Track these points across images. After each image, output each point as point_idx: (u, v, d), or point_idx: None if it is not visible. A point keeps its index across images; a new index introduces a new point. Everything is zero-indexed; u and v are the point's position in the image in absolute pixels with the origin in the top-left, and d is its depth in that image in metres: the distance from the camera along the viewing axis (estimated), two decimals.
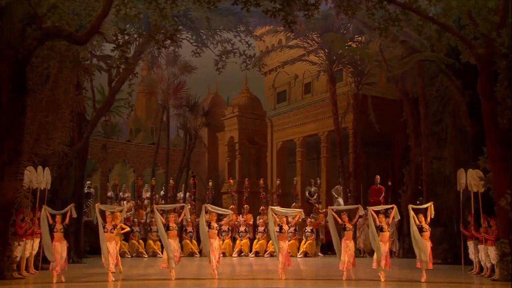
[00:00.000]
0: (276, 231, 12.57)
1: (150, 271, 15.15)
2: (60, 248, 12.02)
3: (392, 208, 12.98)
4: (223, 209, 15.25)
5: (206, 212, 13.18)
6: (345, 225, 12.46)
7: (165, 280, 12.24)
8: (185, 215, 13.21)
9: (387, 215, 20.63)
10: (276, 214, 12.81)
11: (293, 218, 13.78)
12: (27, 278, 12.89)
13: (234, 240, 21.35)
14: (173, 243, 12.65)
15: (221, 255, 20.39)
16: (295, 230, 20.90)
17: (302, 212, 14.83)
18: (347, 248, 12.21)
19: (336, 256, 12.60)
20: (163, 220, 13.20)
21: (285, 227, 12.81)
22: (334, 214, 12.52)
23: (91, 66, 17.28)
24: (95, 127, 19.48)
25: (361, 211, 12.57)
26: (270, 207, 13.61)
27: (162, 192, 25.86)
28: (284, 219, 13.04)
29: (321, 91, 26.44)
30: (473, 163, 14.47)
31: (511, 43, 12.73)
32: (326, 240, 22.06)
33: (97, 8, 13.21)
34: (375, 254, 12.12)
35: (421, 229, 12.14)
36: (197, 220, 21.66)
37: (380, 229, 12.23)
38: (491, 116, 12.85)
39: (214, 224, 12.86)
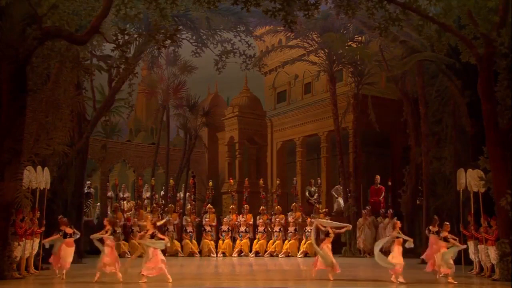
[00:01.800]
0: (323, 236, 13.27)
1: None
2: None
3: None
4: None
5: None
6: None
7: (165, 281, 12.22)
8: None
9: (386, 215, 20.84)
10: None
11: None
12: (27, 278, 12.86)
13: (234, 240, 21.36)
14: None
15: (222, 255, 20.75)
16: (295, 230, 20.95)
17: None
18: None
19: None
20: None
21: (331, 231, 13.24)
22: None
23: (91, 66, 17.25)
24: (95, 127, 19.48)
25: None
26: (317, 219, 14.72)
27: (162, 192, 25.88)
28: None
29: (321, 91, 26.41)
30: (473, 163, 14.45)
31: (511, 43, 12.72)
32: None
33: (97, 8, 13.20)
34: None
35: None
36: (197, 219, 21.76)
37: (444, 239, 12.51)
38: (491, 116, 12.83)
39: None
